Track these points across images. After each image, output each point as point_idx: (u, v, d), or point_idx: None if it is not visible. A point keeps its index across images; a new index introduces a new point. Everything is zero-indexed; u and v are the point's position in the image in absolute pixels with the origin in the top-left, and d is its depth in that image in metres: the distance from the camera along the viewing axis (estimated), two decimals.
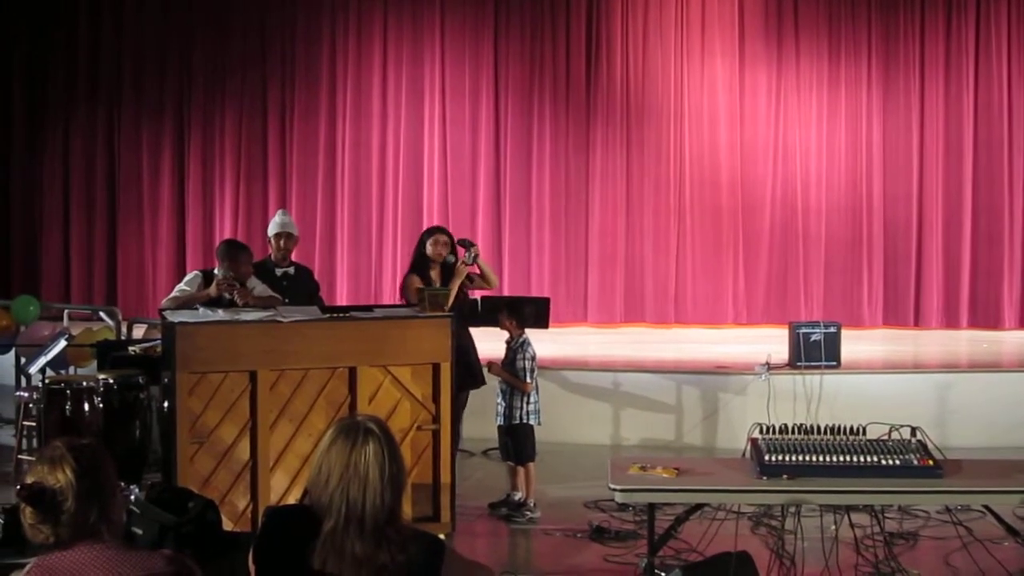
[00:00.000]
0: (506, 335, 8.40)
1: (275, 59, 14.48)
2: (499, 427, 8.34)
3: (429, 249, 8.42)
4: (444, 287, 8.09)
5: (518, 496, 8.18)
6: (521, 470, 8.21)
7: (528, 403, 8.18)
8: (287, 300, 7.95)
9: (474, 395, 8.62)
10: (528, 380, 8.16)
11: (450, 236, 8.58)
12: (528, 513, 8.07)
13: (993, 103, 14.07)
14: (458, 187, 14.32)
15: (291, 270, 8.65)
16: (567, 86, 14.31)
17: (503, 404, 8.24)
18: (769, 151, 14.23)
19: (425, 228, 9.40)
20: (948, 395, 10.30)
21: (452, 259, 8.42)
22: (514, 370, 8.18)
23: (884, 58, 14.17)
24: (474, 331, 8.71)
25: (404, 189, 14.35)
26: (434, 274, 8.38)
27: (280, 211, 9.23)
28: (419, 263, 8.45)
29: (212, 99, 14.52)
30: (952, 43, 14.13)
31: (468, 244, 8.48)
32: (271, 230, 8.72)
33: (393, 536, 3.35)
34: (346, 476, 3.32)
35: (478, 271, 8.54)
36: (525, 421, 8.19)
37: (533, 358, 8.24)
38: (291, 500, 6.54)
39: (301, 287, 8.58)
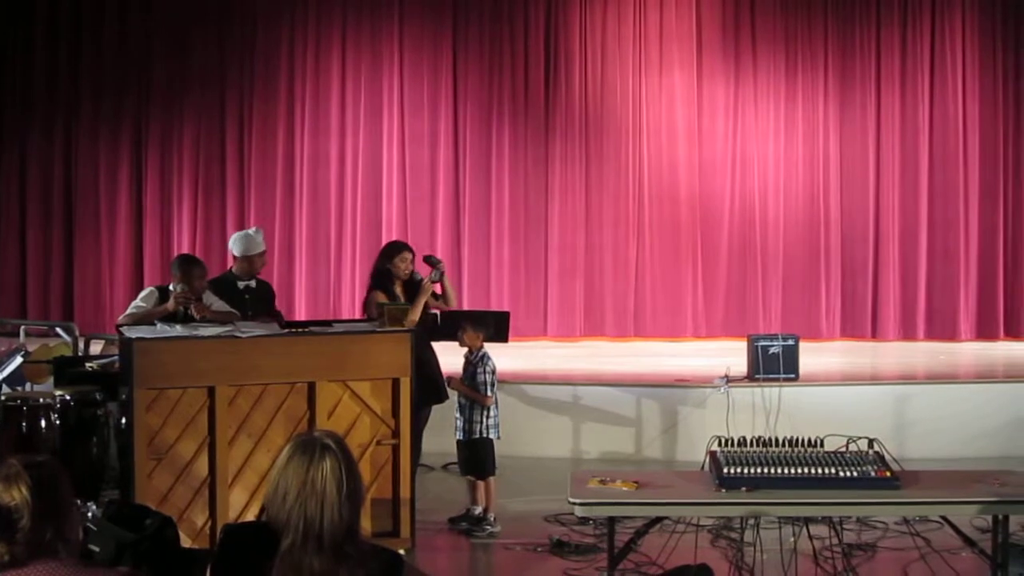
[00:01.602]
0: (463, 349, 8.38)
1: (233, 73, 14.38)
2: (458, 442, 8.31)
3: (396, 266, 8.37)
4: (406, 303, 8.07)
5: (478, 510, 8.16)
6: (481, 484, 8.20)
7: (488, 417, 8.17)
8: (250, 313, 7.94)
9: (434, 409, 8.61)
10: (488, 394, 8.15)
11: (414, 254, 8.55)
12: (488, 527, 8.05)
13: (948, 117, 14.18)
14: (417, 201, 14.27)
15: (252, 283, 8.63)
16: (526, 101, 14.31)
17: (462, 418, 8.23)
18: (727, 165, 14.28)
19: (385, 243, 9.36)
20: (905, 407, 10.35)
21: (418, 276, 8.40)
22: (474, 384, 8.17)
23: (840, 72, 14.25)
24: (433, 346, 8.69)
25: (363, 203, 14.30)
26: (398, 290, 8.35)
27: (255, 229, 9.04)
28: (383, 278, 8.38)
29: (170, 114, 14.39)
30: (908, 58, 14.22)
31: (435, 261, 8.44)
32: (249, 250, 8.63)
33: (352, 552, 3.34)
34: (303, 493, 3.31)
35: (441, 289, 8.51)
36: (485, 435, 8.17)
37: (493, 372, 8.23)
38: (250, 516, 6.52)
39: (263, 300, 8.56)
